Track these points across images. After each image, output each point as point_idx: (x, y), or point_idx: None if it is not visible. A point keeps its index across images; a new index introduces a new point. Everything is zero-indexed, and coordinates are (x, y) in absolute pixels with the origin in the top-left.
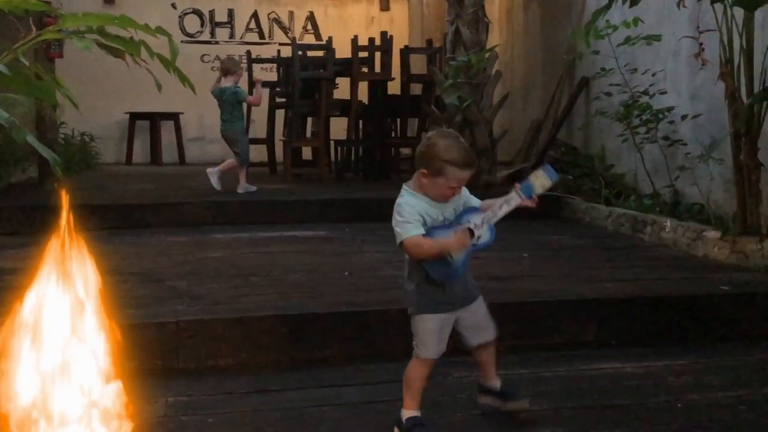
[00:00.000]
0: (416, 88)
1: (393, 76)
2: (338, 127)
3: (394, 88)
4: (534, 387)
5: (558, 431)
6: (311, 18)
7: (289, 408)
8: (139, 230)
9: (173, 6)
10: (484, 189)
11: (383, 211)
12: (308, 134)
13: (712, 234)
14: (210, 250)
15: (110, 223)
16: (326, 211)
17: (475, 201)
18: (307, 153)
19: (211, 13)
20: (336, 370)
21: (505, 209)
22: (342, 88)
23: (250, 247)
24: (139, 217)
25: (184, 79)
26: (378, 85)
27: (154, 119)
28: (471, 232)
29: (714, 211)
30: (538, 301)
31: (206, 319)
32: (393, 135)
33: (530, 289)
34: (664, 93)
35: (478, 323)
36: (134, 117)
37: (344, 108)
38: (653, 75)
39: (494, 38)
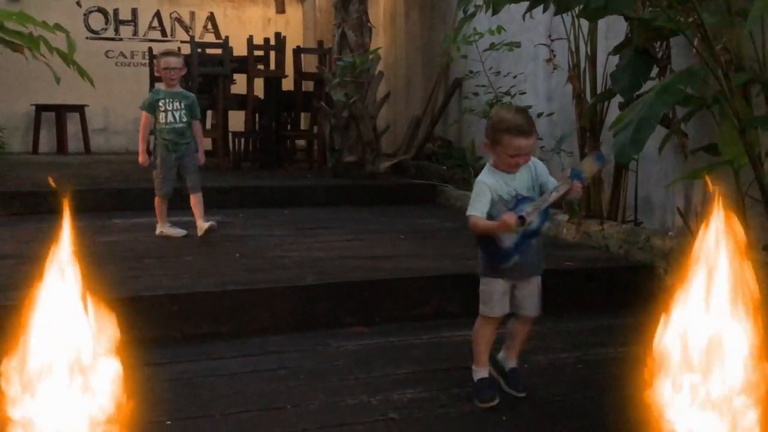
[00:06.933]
0: (308, 86)
1: (286, 73)
2: (236, 120)
3: (288, 84)
4: (403, 353)
5: (421, 390)
6: (211, 18)
7: (177, 379)
8: (42, 216)
9: (78, 4)
10: (369, 177)
11: (276, 198)
12: (208, 126)
13: (562, 217)
14: (108, 234)
15: (14, 209)
16: (223, 198)
17: (552, 182)
18: (207, 144)
19: (115, 11)
20: (223, 344)
21: (555, 195)
22: (239, 84)
23: (146, 231)
24: (42, 203)
25: (83, 72)
26: (273, 82)
27: (60, 111)
28: (523, 219)
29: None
30: (409, 278)
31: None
32: (287, 128)
33: (404, 266)
34: (523, 93)
35: (527, 296)
36: (40, 109)
37: (241, 102)
38: (514, 77)
39: (378, 42)
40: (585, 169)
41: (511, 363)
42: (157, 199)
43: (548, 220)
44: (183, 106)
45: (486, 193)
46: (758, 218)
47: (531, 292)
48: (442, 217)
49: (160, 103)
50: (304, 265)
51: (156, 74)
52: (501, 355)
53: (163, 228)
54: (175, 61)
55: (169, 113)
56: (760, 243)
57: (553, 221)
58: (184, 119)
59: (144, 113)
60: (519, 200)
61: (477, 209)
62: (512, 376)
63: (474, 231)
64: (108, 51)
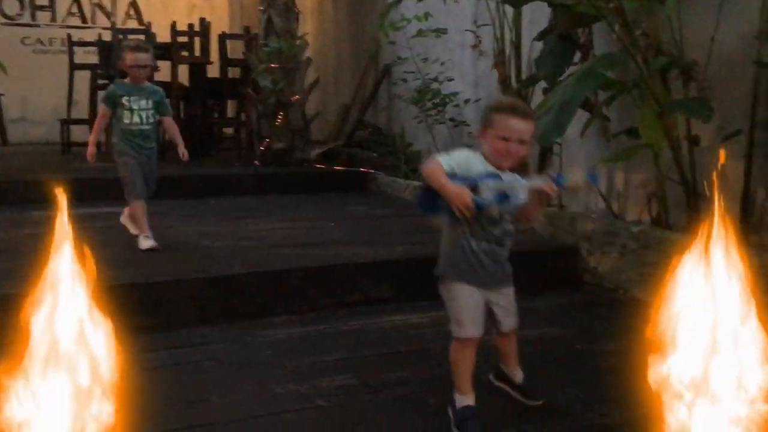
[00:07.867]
0: (234, 72)
1: (212, 60)
2: None
3: (213, 71)
4: (332, 340)
5: (350, 377)
6: (134, 4)
7: None
8: None
9: None
10: (299, 165)
11: (202, 187)
12: None
13: None
14: (27, 227)
15: None
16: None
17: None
18: None
19: None
20: (148, 337)
21: (524, 184)
22: (163, 71)
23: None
24: None
25: None
26: (198, 69)
27: None
28: (475, 188)
29: None
30: (339, 264)
31: (11, 294)
32: (214, 115)
33: (333, 253)
34: (451, 80)
35: (508, 308)
36: None
37: (166, 90)
38: (442, 64)
39: (306, 27)
40: (571, 179)
41: (518, 373)
42: (130, 208)
43: (508, 209)
44: (151, 105)
45: (467, 159)
46: (677, 199)
47: (508, 302)
48: (372, 203)
49: (124, 101)
50: (232, 254)
51: (121, 68)
52: (503, 367)
53: (146, 242)
54: (145, 58)
55: (135, 113)
56: (679, 224)
57: None
58: (151, 120)
59: (102, 106)
60: (489, 174)
61: (446, 162)
62: (529, 390)
63: (424, 177)
64: (24, 38)
